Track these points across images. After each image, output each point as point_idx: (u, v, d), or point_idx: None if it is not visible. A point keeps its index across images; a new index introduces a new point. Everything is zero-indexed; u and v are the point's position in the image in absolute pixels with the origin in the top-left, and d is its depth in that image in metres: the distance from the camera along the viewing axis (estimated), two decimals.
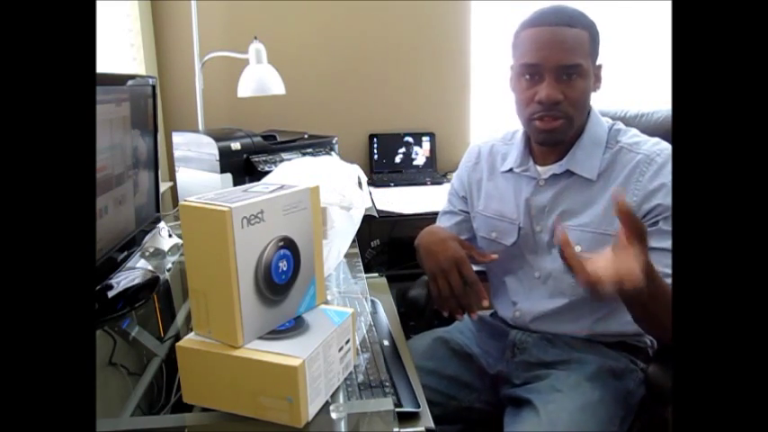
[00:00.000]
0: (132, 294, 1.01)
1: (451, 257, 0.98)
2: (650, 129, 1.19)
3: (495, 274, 1.16)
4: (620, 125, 1.04)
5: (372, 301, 1.04)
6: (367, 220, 1.12)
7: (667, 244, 0.90)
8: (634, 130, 1.03)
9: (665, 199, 0.92)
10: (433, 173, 2.24)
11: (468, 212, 1.19)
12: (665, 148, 0.96)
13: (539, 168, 1.05)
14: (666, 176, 0.93)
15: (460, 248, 1.00)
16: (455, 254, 0.98)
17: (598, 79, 1.00)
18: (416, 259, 1.10)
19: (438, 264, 0.99)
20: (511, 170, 1.09)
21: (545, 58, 0.93)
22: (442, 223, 1.22)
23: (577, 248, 0.87)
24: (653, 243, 0.91)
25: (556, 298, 1.04)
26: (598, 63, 0.99)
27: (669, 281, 0.87)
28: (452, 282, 0.96)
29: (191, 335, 0.65)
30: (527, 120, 0.99)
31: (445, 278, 0.97)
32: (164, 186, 1.79)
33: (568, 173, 1.01)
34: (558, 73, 0.93)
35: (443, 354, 1.10)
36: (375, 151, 2.24)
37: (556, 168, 1.02)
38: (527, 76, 0.96)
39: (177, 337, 0.88)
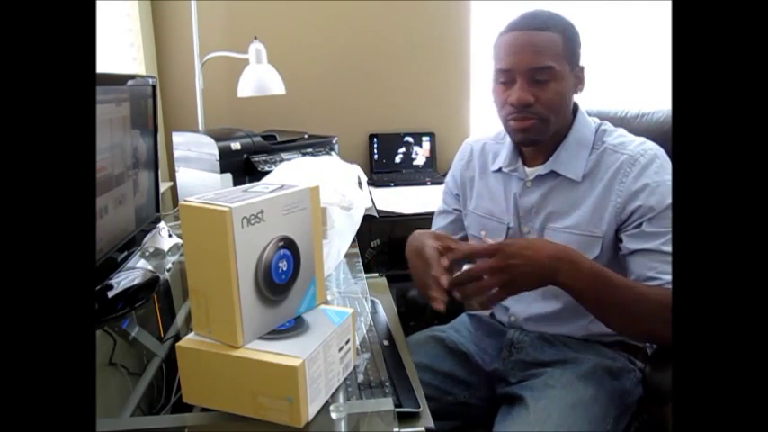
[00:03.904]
0: (132, 294, 1.01)
1: (427, 266, 0.90)
2: (651, 129, 1.19)
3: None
4: (608, 125, 1.04)
5: (372, 301, 1.04)
6: (367, 220, 1.12)
7: (651, 245, 0.90)
8: (621, 131, 1.03)
9: (648, 200, 0.92)
10: (433, 173, 2.24)
11: (461, 211, 1.19)
12: (650, 148, 0.96)
13: (527, 169, 1.06)
14: (650, 177, 0.93)
15: (435, 254, 0.90)
16: (430, 263, 0.90)
17: (580, 81, 1.00)
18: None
19: (419, 277, 0.93)
20: (500, 170, 1.10)
21: (515, 63, 0.94)
22: (438, 223, 1.22)
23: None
24: (637, 245, 0.92)
25: (549, 300, 1.04)
26: (580, 65, 0.99)
27: (654, 282, 0.88)
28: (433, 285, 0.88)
29: (191, 335, 0.65)
30: (504, 122, 1.01)
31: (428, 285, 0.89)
32: (164, 186, 1.79)
33: (554, 174, 1.02)
34: (529, 76, 0.94)
35: (438, 351, 1.11)
36: (375, 151, 2.24)
37: (541, 169, 1.03)
38: (501, 81, 0.98)
39: (177, 337, 0.88)
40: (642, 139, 0.99)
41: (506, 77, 0.96)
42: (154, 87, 1.23)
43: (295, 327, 0.66)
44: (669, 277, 0.87)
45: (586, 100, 1.05)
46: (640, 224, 0.92)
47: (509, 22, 0.98)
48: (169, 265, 1.21)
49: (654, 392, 0.88)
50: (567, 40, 0.96)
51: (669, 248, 0.88)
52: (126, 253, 1.07)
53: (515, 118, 0.97)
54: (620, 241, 0.95)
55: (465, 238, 1.20)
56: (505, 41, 0.96)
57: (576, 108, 1.04)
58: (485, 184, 1.13)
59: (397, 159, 2.25)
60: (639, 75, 2.21)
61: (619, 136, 1.01)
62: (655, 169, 0.93)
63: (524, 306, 1.07)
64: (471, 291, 0.83)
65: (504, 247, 0.82)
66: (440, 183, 2.12)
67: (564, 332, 1.04)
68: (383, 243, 2.12)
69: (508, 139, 1.09)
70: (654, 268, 0.88)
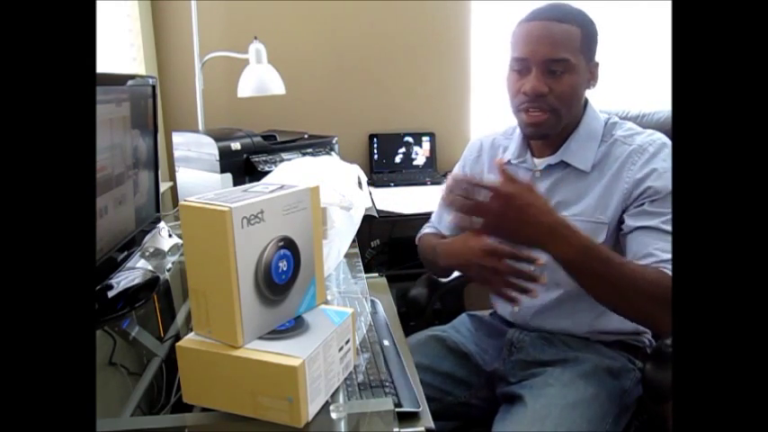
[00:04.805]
0: (132, 294, 1.01)
1: (477, 244, 0.91)
2: (651, 129, 1.19)
3: None
4: (616, 119, 1.05)
5: (372, 301, 1.04)
6: (367, 220, 1.12)
7: (651, 223, 0.90)
8: (630, 124, 1.04)
9: (656, 182, 0.92)
10: (433, 173, 2.24)
11: None
12: (658, 138, 0.98)
13: (535, 160, 1.07)
14: (657, 162, 0.94)
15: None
16: (478, 242, 0.91)
17: (594, 77, 1.01)
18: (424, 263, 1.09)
19: (468, 252, 0.93)
20: (509, 162, 1.10)
21: (532, 52, 0.95)
22: (444, 217, 1.22)
23: None
24: (637, 223, 0.92)
25: (551, 290, 1.04)
26: (595, 61, 1.00)
27: (652, 259, 0.87)
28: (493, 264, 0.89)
29: (191, 335, 0.65)
30: (515, 111, 1.01)
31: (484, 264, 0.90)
32: (164, 186, 1.79)
33: (563, 164, 1.03)
34: (545, 67, 0.95)
35: (439, 351, 1.11)
36: (375, 151, 2.24)
37: (551, 159, 1.04)
38: (517, 70, 0.98)
39: (177, 337, 0.88)
40: (651, 130, 1.01)
41: (521, 66, 0.97)
42: (154, 87, 1.23)
43: (295, 327, 0.66)
44: (666, 255, 0.86)
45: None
46: (642, 203, 0.93)
47: (527, 14, 0.98)
48: (169, 265, 1.21)
49: (653, 389, 0.88)
50: (586, 34, 0.96)
51: (668, 228, 0.89)
52: (126, 253, 1.07)
53: (527, 109, 0.98)
54: (622, 222, 0.95)
55: None
56: (524, 30, 0.97)
57: (585, 101, 1.05)
58: (494, 177, 1.13)
59: (397, 159, 2.25)
60: (640, 75, 2.21)
61: (628, 129, 1.02)
62: (663, 157, 0.95)
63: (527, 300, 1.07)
64: (458, 204, 0.82)
65: (509, 195, 0.81)
66: (440, 183, 2.13)
67: (566, 328, 1.04)
68: (383, 243, 2.12)
69: (517, 132, 1.10)
70: (651, 245, 0.89)
